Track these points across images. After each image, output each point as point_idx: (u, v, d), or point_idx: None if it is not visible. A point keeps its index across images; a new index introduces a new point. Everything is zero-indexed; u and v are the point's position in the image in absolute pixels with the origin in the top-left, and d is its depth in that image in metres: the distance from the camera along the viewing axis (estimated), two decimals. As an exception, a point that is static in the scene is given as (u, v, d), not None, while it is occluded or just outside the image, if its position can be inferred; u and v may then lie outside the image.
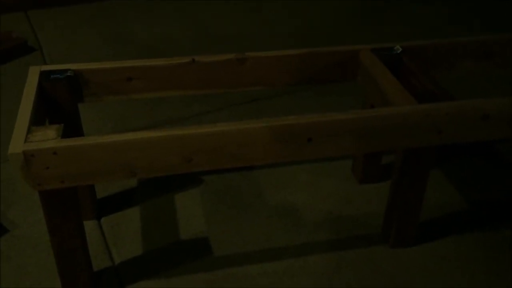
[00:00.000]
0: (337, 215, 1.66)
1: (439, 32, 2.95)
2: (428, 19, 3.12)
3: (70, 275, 1.32)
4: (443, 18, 3.15)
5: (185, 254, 1.51)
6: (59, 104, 1.39)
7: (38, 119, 1.26)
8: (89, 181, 1.18)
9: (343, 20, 3.10)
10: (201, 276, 1.43)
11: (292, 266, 1.48)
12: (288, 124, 1.22)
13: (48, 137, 1.13)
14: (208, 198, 1.72)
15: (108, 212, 1.64)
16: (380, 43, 1.61)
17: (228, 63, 1.50)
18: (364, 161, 1.74)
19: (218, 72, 1.50)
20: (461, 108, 1.31)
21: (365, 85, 1.54)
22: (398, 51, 1.55)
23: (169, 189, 1.75)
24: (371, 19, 3.12)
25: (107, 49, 2.69)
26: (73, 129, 1.43)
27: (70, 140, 1.13)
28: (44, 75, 1.37)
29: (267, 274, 1.45)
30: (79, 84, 1.43)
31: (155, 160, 1.18)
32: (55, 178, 1.14)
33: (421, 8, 3.26)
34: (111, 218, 1.62)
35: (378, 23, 3.07)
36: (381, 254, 1.52)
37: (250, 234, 1.58)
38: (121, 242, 1.54)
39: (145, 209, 1.66)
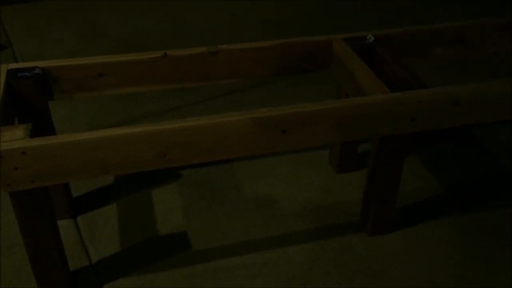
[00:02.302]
0: (315, 205, 1.66)
1: (416, 18, 2.97)
2: (406, 5, 3.14)
3: (45, 276, 1.30)
4: (421, 2, 3.17)
5: (163, 249, 1.50)
6: (28, 103, 1.36)
7: (6, 119, 1.23)
8: (60, 180, 1.16)
9: (319, 9, 3.10)
10: (180, 271, 1.43)
11: (271, 257, 1.48)
12: (262, 116, 1.21)
13: (16, 137, 1.10)
14: (186, 192, 1.71)
15: (85, 210, 1.62)
16: (355, 32, 1.61)
17: (200, 57, 1.49)
18: (340, 150, 1.75)
19: (191, 65, 1.48)
20: (433, 95, 1.32)
21: (338, 74, 1.55)
22: (371, 40, 1.55)
23: (146, 184, 1.73)
24: (348, 8, 3.12)
25: (80, 45, 2.64)
26: (43, 128, 1.40)
27: (39, 139, 1.11)
28: (11, 74, 1.34)
29: (246, 266, 1.45)
30: (49, 82, 1.40)
31: (128, 156, 1.16)
32: (25, 178, 1.11)
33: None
34: (88, 216, 1.60)
35: (355, 11, 3.08)
36: (360, 241, 1.54)
37: (229, 227, 1.58)
38: (98, 240, 1.52)
39: (122, 206, 1.65)
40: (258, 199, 1.69)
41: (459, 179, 1.79)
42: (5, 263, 1.44)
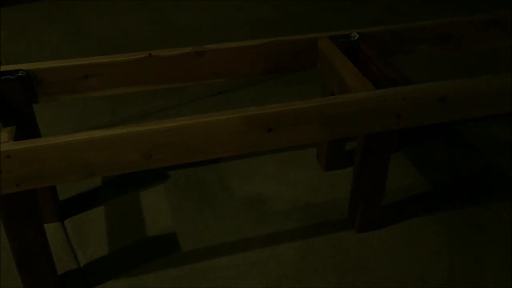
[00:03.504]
0: (304, 203, 1.67)
1: (405, 15, 2.98)
2: (397, 3, 3.16)
3: (33, 280, 1.29)
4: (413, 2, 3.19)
5: (152, 251, 1.49)
6: (12, 106, 1.35)
7: (-10, 122, 1.22)
8: (46, 183, 1.15)
9: (307, 8, 3.11)
10: (169, 272, 1.43)
11: (260, 256, 1.48)
12: (247, 115, 1.21)
13: (0, 140, 1.09)
14: (173, 193, 1.70)
15: (72, 213, 1.61)
16: (339, 30, 1.62)
17: (186, 57, 1.48)
18: (328, 148, 1.75)
19: (176, 66, 1.48)
20: (418, 92, 1.33)
21: (324, 73, 1.55)
22: (355, 38, 1.56)
23: (133, 186, 1.72)
24: (335, 6, 3.13)
25: (66, 46, 2.63)
26: (28, 131, 1.39)
27: (24, 142, 1.10)
28: (-6, 77, 1.33)
29: (235, 265, 1.45)
30: (33, 84, 1.39)
31: (114, 158, 1.16)
32: (10, 182, 1.10)
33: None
34: (75, 219, 1.59)
35: (343, 9, 3.09)
36: (348, 238, 1.54)
37: (218, 228, 1.58)
38: (86, 243, 1.51)
39: (109, 208, 1.64)
40: (247, 198, 1.69)
41: (446, 175, 1.80)
42: (-8, 268, 1.43)
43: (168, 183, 1.74)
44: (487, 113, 1.46)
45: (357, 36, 1.57)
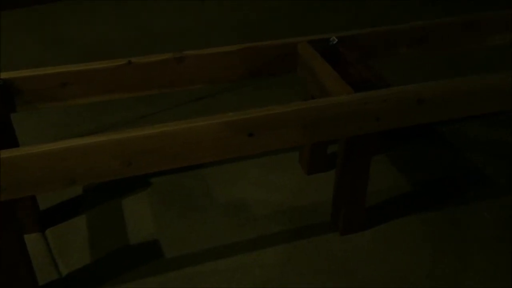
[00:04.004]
0: (287, 207, 1.67)
1: (384, 17, 3.01)
2: (374, 6, 3.19)
3: (13, 292, 1.27)
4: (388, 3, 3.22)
5: (135, 259, 1.48)
6: (-11, 116, 1.33)
7: (-34, 133, 1.21)
8: (25, 193, 1.14)
9: (286, 12, 3.12)
10: (153, 280, 1.41)
11: (244, 261, 1.48)
12: (228, 121, 1.21)
13: (-24, 151, 1.08)
14: (156, 200, 1.69)
15: (53, 223, 1.59)
16: (318, 34, 1.63)
17: (166, 63, 1.48)
18: (310, 151, 1.76)
19: (157, 72, 1.48)
20: (397, 94, 1.35)
21: (304, 77, 1.56)
22: (334, 42, 1.57)
23: (115, 194, 1.71)
24: (315, 9, 3.15)
25: (44, 54, 2.60)
26: (6, 140, 1.37)
27: (2, 152, 1.08)
28: (-30, 86, 1.31)
29: (219, 271, 1.44)
30: (10, 93, 1.37)
31: (93, 166, 1.15)
32: (-12, 193, 1.09)
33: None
34: (56, 229, 1.57)
35: (322, 13, 3.11)
36: (332, 241, 1.55)
37: (202, 234, 1.57)
38: (68, 252, 1.49)
39: (91, 217, 1.62)
40: (230, 203, 1.69)
41: (427, 175, 1.82)
42: (-29, 280, 1.40)
43: (151, 190, 1.73)
44: (465, 113, 1.48)
45: (336, 40, 1.58)
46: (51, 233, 1.56)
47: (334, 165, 1.79)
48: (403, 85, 1.38)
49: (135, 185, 1.74)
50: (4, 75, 1.36)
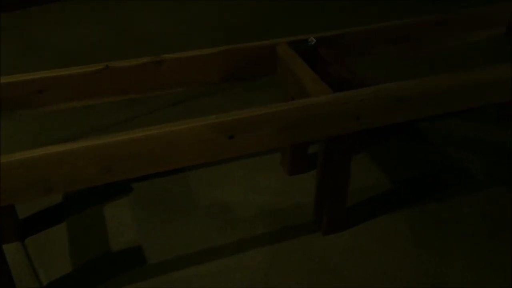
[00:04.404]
0: (270, 209, 1.67)
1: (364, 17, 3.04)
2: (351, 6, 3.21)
3: (-8, 304, 1.24)
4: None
5: (117, 266, 1.46)
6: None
7: None
8: (2, 203, 1.11)
9: (267, 14, 3.13)
10: (134, 286, 1.40)
11: (228, 264, 1.47)
12: (208, 123, 1.21)
13: (-50, 161, 1.05)
14: (138, 205, 1.68)
15: (33, 232, 1.57)
16: (298, 35, 1.63)
17: (144, 67, 1.47)
18: (291, 153, 1.76)
19: (135, 77, 1.46)
20: (376, 93, 1.36)
21: (283, 78, 1.56)
22: (313, 42, 1.58)
23: (96, 200, 1.69)
24: (295, 11, 3.16)
25: (21, 60, 2.56)
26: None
27: (-25, 161, 1.06)
28: None
29: (202, 275, 1.43)
30: (-15, 101, 1.35)
31: (71, 173, 1.13)
32: (-38, 203, 1.07)
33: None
34: (36, 238, 1.55)
35: (306, 13, 3.12)
36: (315, 241, 1.55)
37: (184, 238, 1.56)
38: (49, 262, 1.47)
39: (72, 224, 1.60)
40: (213, 206, 1.68)
41: (407, 173, 1.84)
42: None
43: (132, 195, 1.72)
44: (444, 110, 1.50)
45: (315, 40, 1.59)
46: (31, 242, 1.53)
47: (315, 165, 1.80)
48: (382, 84, 1.39)
49: (117, 190, 1.73)
50: (-22, 82, 1.34)
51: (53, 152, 1.09)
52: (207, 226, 1.60)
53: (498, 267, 1.46)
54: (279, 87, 1.70)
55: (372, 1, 3.29)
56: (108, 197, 1.70)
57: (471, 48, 2.17)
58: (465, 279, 1.43)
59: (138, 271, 1.44)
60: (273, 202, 1.70)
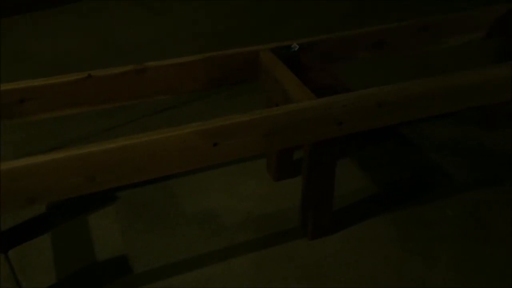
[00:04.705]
0: (256, 215, 1.67)
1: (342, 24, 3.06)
2: (334, 12, 3.24)
3: (-25, 318, 1.22)
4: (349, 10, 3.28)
5: (103, 276, 1.45)
6: None
7: None
8: (-17, 214, 1.10)
9: (252, 19, 3.14)
10: (121, 297, 1.39)
11: (214, 272, 1.47)
12: (191, 131, 1.21)
13: None
14: (123, 214, 1.67)
15: (16, 243, 1.54)
16: (280, 42, 1.64)
17: (126, 75, 1.46)
18: (276, 158, 1.77)
19: (117, 85, 1.46)
20: (357, 99, 1.37)
21: (267, 84, 1.57)
22: (296, 49, 1.59)
23: (81, 210, 1.67)
24: (278, 17, 3.18)
25: (3, 70, 2.53)
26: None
27: (-45, 173, 1.05)
28: None
29: (188, 283, 1.43)
30: (-35, 112, 1.33)
31: (55, 184, 1.12)
32: None
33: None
34: (20, 249, 1.53)
35: (283, 21, 3.14)
36: (301, 247, 1.55)
37: (170, 246, 1.55)
38: (32, 273, 1.45)
39: (56, 235, 1.58)
40: (199, 214, 1.68)
41: (392, 177, 1.86)
42: None
43: (117, 204, 1.70)
44: (424, 114, 1.52)
45: (297, 46, 1.60)
46: (14, 253, 1.51)
47: (301, 170, 1.80)
48: (364, 89, 1.40)
49: (101, 199, 1.71)
50: (-42, 93, 1.32)
51: (36, 163, 1.08)
52: (193, 234, 1.60)
53: (482, 268, 1.48)
54: (263, 93, 1.70)
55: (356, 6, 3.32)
56: (92, 207, 1.69)
57: (451, 53, 2.20)
58: (449, 279, 1.45)
59: (124, 281, 1.43)
60: (259, 208, 1.70)
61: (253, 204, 1.72)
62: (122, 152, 1.15)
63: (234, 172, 1.86)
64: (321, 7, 3.32)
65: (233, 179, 1.82)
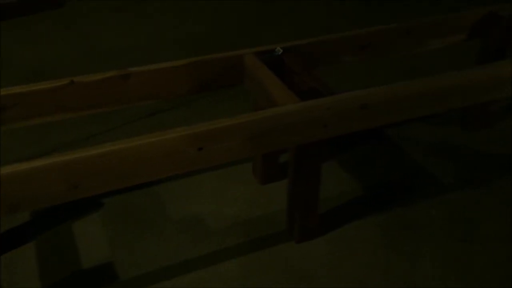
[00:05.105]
0: (243, 219, 1.67)
1: (329, 28, 3.09)
2: (319, 16, 3.26)
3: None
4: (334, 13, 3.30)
5: (89, 284, 1.44)
6: None
7: None
8: (-36, 224, 1.09)
9: (236, 23, 3.15)
10: (108, 304, 1.38)
11: (203, 276, 1.47)
12: (176, 136, 1.21)
13: None
14: (109, 221, 1.65)
15: (0, 252, 1.52)
16: (264, 45, 1.65)
17: (110, 81, 1.46)
18: (262, 162, 1.77)
19: (101, 91, 1.45)
20: (341, 101, 1.38)
21: (251, 88, 1.57)
22: (279, 52, 1.60)
23: (65, 217, 1.66)
24: (263, 21, 3.19)
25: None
26: None
27: None
28: None
29: (176, 289, 1.42)
30: None
31: (37, 191, 1.11)
32: None
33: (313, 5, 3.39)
34: (4, 258, 1.51)
35: (270, 24, 3.15)
36: (289, 250, 1.56)
37: (158, 252, 1.54)
38: (18, 281, 1.43)
39: (41, 243, 1.57)
40: (186, 219, 1.67)
41: (376, 179, 1.87)
42: None
43: (102, 211, 1.69)
44: (407, 116, 1.53)
45: (281, 50, 1.60)
46: (-2, 263, 1.50)
47: (287, 173, 1.81)
48: (348, 92, 1.41)
49: (87, 207, 1.70)
50: None
51: (18, 170, 1.07)
52: (180, 239, 1.59)
53: (466, 267, 1.50)
54: (250, 98, 1.71)
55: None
56: (77, 214, 1.67)
57: (435, 55, 2.23)
58: (434, 279, 1.46)
59: (111, 288, 1.42)
60: (246, 212, 1.70)
61: (240, 208, 1.72)
62: (106, 158, 1.15)
63: (220, 176, 1.86)
64: (320, 8, 3.34)
65: (219, 184, 1.82)
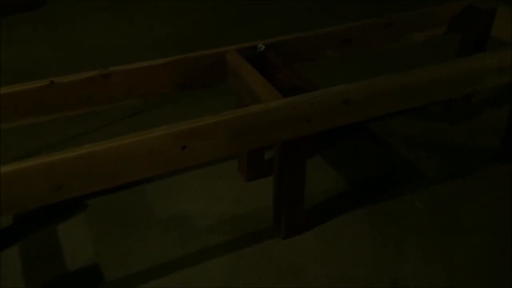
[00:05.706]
0: (229, 216, 1.67)
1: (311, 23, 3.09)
2: (300, 12, 3.27)
3: None
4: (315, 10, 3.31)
5: (75, 286, 1.42)
6: None
7: None
8: None
9: (218, 21, 3.14)
10: (95, 306, 1.37)
11: (190, 275, 1.46)
12: (159, 135, 1.20)
13: None
14: (94, 222, 1.64)
15: (-17, 257, 1.51)
16: (246, 42, 1.64)
17: (91, 81, 1.44)
18: (247, 159, 1.77)
19: (82, 91, 1.44)
20: (324, 96, 1.38)
21: (235, 85, 1.57)
22: (262, 49, 1.59)
23: (50, 219, 1.64)
24: (245, 18, 3.19)
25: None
26: None
27: None
28: None
29: (164, 288, 1.42)
30: None
31: (20, 194, 1.09)
32: None
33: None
34: (-13, 263, 1.49)
35: (252, 21, 3.15)
36: (275, 246, 1.56)
37: (144, 252, 1.53)
38: (2, 285, 1.41)
39: (25, 246, 1.55)
40: (171, 218, 1.66)
41: (361, 173, 1.88)
42: None
43: (88, 212, 1.68)
44: (390, 110, 1.54)
45: (263, 47, 1.60)
46: (-19, 268, 1.48)
47: (273, 170, 1.81)
48: (331, 87, 1.42)
49: (71, 208, 1.68)
50: None
51: (1, 172, 1.05)
52: (167, 238, 1.58)
53: (451, 259, 1.52)
54: (232, 94, 1.70)
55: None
56: (62, 216, 1.66)
57: (414, 48, 2.25)
58: (420, 271, 1.47)
59: (97, 290, 1.41)
60: (232, 209, 1.70)
61: (226, 205, 1.71)
62: (89, 159, 1.14)
63: (206, 174, 1.85)
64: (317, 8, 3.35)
65: (205, 182, 1.82)
